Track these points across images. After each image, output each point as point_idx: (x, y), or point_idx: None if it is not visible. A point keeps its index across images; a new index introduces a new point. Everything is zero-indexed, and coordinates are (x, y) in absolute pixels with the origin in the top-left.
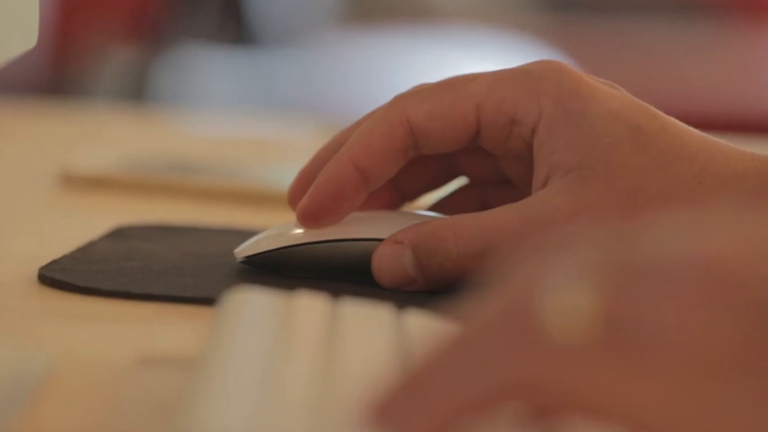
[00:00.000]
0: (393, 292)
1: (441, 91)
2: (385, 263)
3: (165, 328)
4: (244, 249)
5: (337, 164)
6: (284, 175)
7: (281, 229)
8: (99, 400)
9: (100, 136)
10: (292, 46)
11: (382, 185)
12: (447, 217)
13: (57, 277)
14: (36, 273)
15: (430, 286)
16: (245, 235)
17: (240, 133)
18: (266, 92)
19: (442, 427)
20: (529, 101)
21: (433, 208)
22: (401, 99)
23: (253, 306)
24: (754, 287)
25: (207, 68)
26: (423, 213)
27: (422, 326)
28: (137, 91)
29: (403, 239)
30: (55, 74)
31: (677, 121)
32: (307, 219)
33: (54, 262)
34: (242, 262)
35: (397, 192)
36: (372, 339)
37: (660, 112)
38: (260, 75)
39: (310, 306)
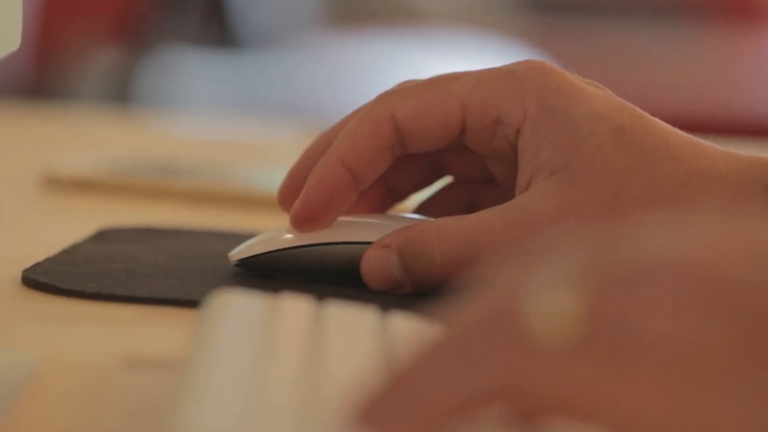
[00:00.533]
0: (381, 295)
1: (425, 89)
2: (372, 267)
3: (149, 331)
4: (239, 252)
5: (327, 165)
6: (268, 177)
7: (275, 233)
8: (83, 403)
9: (83, 138)
10: (274, 48)
11: (371, 185)
12: (432, 220)
13: (41, 280)
14: (19, 275)
15: (417, 289)
16: (230, 237)
17: (223, 136)
18: (249, 95)
19: (425, 429)
20: (512, 101)
21: (420, 207)
22: (386, 96)
23: (237, 308)
24: (737, 290)
25: (190, 71)
26: (414, 216)
27: (407, 329)
28: (121, 94)
29: (389, 243)
30: (37, 76)
31: (661, 122)
32: (301, 223)
33: (37, 264)
34: (236, 265)
35: (386, 191)
36: (356, 341)
37: (644, 113)
38: (243, 77)
39: (294, 308)
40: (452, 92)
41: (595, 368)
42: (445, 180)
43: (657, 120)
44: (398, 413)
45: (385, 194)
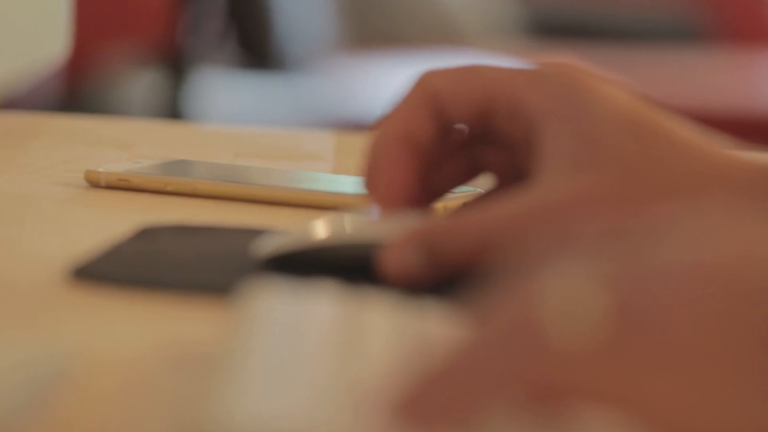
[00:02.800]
0: (407, 293)
1: (459, 68)
2: (394, 265)
3: (189, 324)
4: (267, 247)
5: (381, 142)
6: (302, 179)
7: (303, 230)
8: (123, 393)
9: (123, 140)
10: (308, 69)
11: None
12: (450, 215)
13: (84, 275)
14: (62, 271)
15: (437, 281)
16: (264, 234)
17: (257, 138)
18: (280, 114)
19: (459, 421)
20: (532, 95)
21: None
22: (426, 74)
23: (272, 299)
24: (759, 293)
25: (224, 91)
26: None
27: (437, 320)
28: (157, 113)
29: (411, 241)
30: (72, 95)
31: (675, 120)
32: (387, 205)
33: (81, 260)
34: (264, 261)
35: (427, 188)
36: (389, 331)
37: (658, 110)
38: (275, 98)
39: (328, 298)
40: (482, 76)
41: (622, 370)
42: (483, 178)
43: (672, 117)
44: (432, 408)
45: (424, 192)
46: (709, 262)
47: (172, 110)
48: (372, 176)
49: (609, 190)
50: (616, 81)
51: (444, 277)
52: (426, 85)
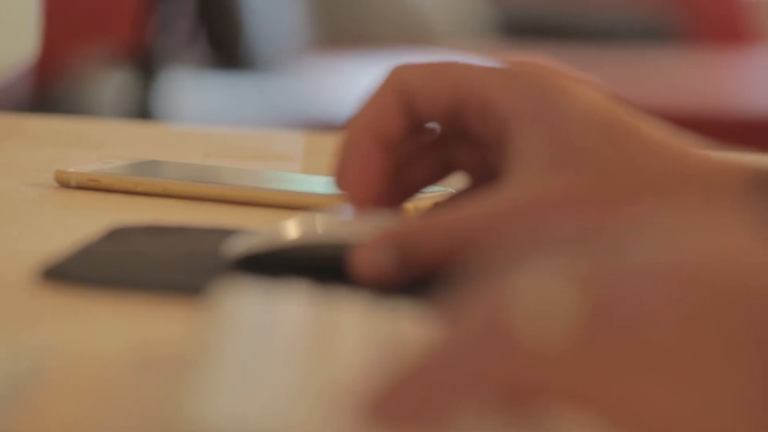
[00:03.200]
0: (380, 292)
1: (431, 64)
2: (364, 263)
3: (160, 324)
4: (238, 248)
5: (352, 137)
6: (272, 178)
7: (274, 230)
8: (95, 394)
9: (93, 140)
10: (279, 69)
11: (383, 181)
12: (422, 215)
13: (54, 276)
14: (32, 272)
15: (408, 280)
16: (234, 234)
17: (228, 139)
18: (251, 114)
19: (431, 422)
20: (504, 96)
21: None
22: (398, 70)
23: (244, 299)
24: (729, 294)
25: (194, 91)
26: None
27: (409, 320)
28: (128, 113)
29: (381, 239)
30: (41, 96)
31: (648, 120)
32: (358, 202)
33: (51, 260)
34: (234, 262)
35: (398, 187)
36: (361, 331)
37: (632, 111)
38: (245, 98)
39: (300, 298)
40: (453, 73)
41: (592, 367)
42: (455, 177)
43: (644, 117)
44: (405, 409)
45: (396, 190)
46: (688, 263)
47: (142, 110)
48: (343, 171)
49: (582, 191)
50: (588, 80)
51: (416, 278)
52: (396, 79)
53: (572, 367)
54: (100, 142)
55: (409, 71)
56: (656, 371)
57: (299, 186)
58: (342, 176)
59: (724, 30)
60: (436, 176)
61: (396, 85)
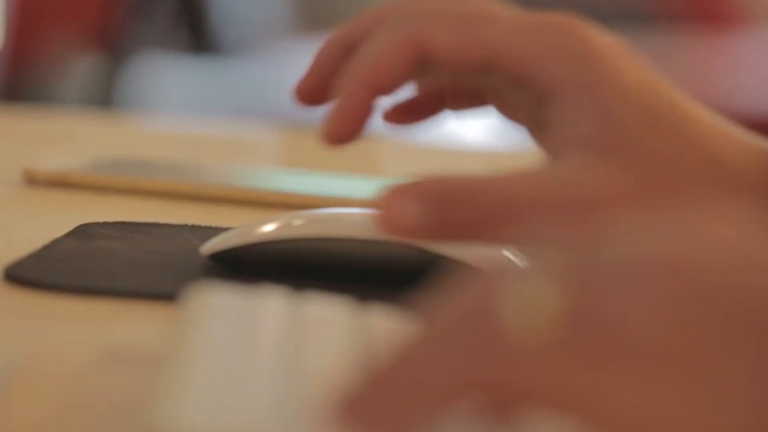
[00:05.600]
0: (355, 288)
1: (460, 22)
2: (391, 210)
3: (129, 326)
4: (211, 245)
5: (352, 89)
6: (241, 175)
7: (248, 227)
8: (63, 398)
9: (61, 136)
10: (250, 54)
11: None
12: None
13: (21, 275)
14: (0, 272)
15: (436, 243)
16: (206, 233)
17: (199, 134)
18: (225, 99)
19: (405, 422)
20: (544, 63)
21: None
22: (418, 19)
23: (217, 302)
24: (711, 290)
25: (165, 76)
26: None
27: (384, 322)
28: (97, 99)
29: (416, 185)
30: (12, 82)
31: (695, 105)
32: (333, 142)
33: (17, 260)
34: (209, 259)
35: (418, 106)
36: (335, 334)
37: (678, 93)
38: (218, 83)
39: (273, 301)
40: (487, 33)
41: (573, 364)
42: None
43: (689, 100)
44: (379, 408)
45: (415, 109)
46: (666, 258)
47: (113, 97)
48: (332, 124)
49: (622, 187)
50: (626, 49)
51: (446, 243)
52: (416, 30)
53: (555, 363)
54: (70, 138)
55: (433, 22)
56: (645, 367)
57: (277, 183)
58: (329, 126)
59: (716, 12)
60: (431, 113)
61: (414, 36)
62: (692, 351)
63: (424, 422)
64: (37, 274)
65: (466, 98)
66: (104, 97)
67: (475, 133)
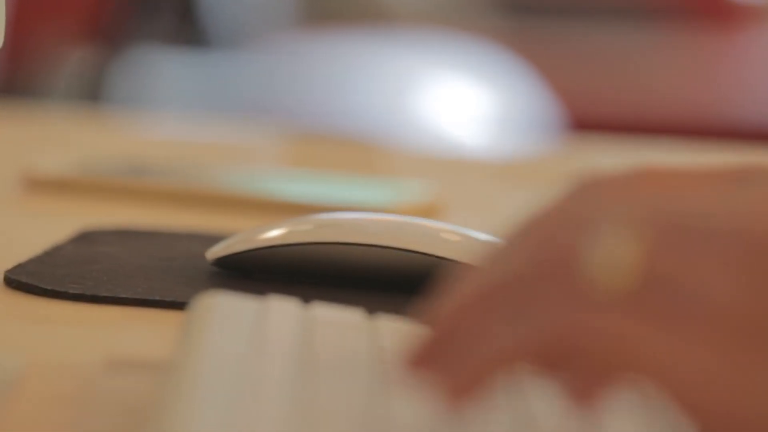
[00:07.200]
0: (363, 296)
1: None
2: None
3: (132, 332)
4: (217, 250)
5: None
6: (244, 178)
7: (253, 232)
8: (67, 405)
9: (61, 139)
10: (248, 48)
11: None
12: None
13: (23, 280)
14: (1, 276)
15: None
16: (209, 238)
17: (200, 136)
18: (223, 95)
19: (483, 373)
20: None
21: None
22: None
23: (224, 310)
24: None
25: (164, 71)
26: (411, 219)
27: (394, 329)
28: (94, 93)
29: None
30: (9, 76)
31: None
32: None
33: (20, 265)
34: (214, 264)
35: None
36: (344, 343)
37: None
38: (216, 77)
39: (282, 310)
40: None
41: (649, 321)
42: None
43: None
44: (453, 363)
45: None
46: (753, 228)
47: (108, 91)
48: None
49: None
50: None
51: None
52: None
53: (632, 318)
54: (69, 140)
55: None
56: (717, 329)
57: (281, 187)
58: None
59: (718, 10)
60: None
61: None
62: (764, 322)
63: (500, 379)
64: (38, 279)
65: None
66: (99, 91)
67: (474, 135)
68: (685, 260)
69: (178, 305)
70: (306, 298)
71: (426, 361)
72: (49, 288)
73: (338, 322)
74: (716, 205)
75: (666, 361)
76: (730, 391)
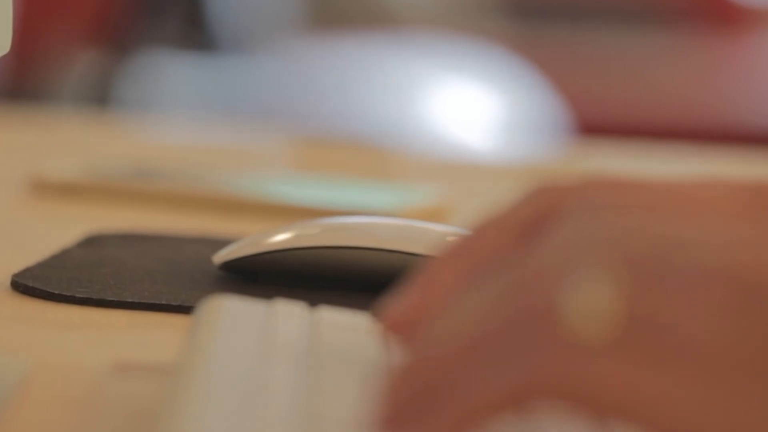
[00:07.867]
0: (370, 300)
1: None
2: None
3: (139, 336)
4: (224, 254)
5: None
6: (251, 182)
7: (260, 236)
8: (73, 409)
9: (68, 142)
10: (254, 52)
11: None
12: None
13: (31, 284)
14: (8, 280)
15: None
16: (217, 242)
17: (207, 140)
18: (230, 98)
19: (462, 427)
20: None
21: None
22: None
23: (231, 314)
24: None
25: (171, 74)
26: (419, 223)
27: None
28: (101, 97)
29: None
30: (17, 79)
31: None
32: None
33: (27, 269)
34: (221, 268)
35: None
36: (351, 347)
37: None
38: (224, 81)
39: (289, 314)
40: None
41: (635, 364)
42: None
43: None
44: (434, 412)
45: None
46: (732, 263)
47: (115, 94)
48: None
49: None
50: None
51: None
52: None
53: (615, 362)
54: (76, 144)
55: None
56: (701, 369)
57: (288, 191)
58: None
59: (724, 12)
60: None
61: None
62: (750, 357)
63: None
64: (45, 283)
65: None
66: (107, 94)
67: (481, 139)
68: (664, 299)
69: (185, 309)
70: (313, 302)
71: (403, 418)
72: (56, 292)
73: (345, 326)
74: (694, 239)
75: (656, 403)
76: (725, 426)
